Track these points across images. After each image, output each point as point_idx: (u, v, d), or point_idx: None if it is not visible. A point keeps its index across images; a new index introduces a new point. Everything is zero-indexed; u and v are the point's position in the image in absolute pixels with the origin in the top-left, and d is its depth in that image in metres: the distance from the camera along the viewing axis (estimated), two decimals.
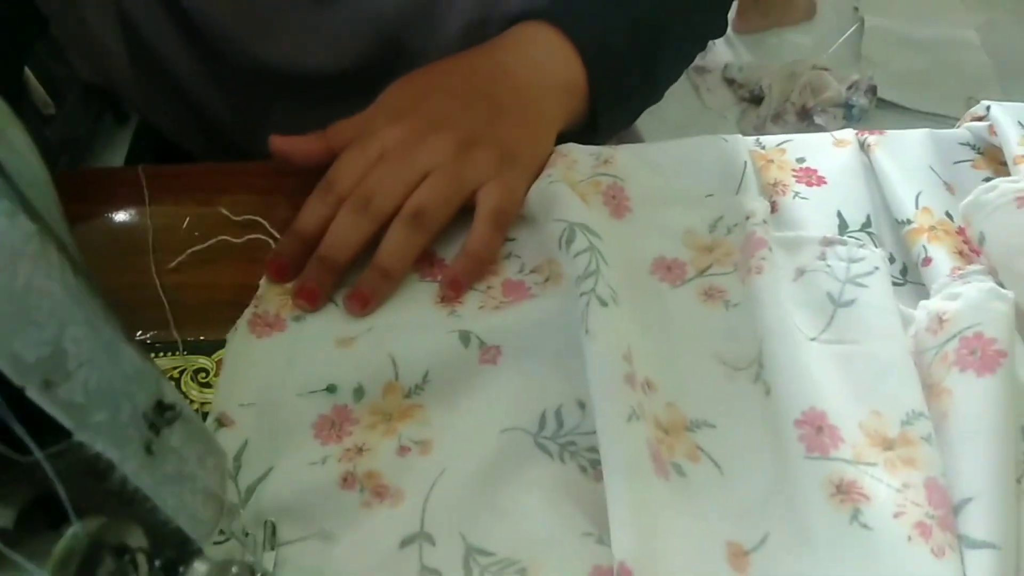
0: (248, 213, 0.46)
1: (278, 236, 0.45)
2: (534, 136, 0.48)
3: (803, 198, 0.47)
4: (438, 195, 0.43)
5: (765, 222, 0.43)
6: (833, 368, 0.38)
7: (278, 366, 0.41)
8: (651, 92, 0.57)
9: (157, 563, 0.20)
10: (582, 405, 0.39)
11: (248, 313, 0.42)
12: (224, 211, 0.46)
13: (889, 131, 0.50)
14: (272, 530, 0.34)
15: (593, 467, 0.37)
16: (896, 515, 0.33)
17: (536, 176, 0.46)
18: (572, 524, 0.35)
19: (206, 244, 0.45)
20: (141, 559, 0.20)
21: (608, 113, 0.51)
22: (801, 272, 0.43)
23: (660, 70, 0.55)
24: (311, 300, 0.42)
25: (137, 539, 0.20)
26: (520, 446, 0.38)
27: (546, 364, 0.40)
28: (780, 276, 0.42)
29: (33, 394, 0.18)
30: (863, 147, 0.49)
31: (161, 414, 0.23)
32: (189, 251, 0.45)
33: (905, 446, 0.35)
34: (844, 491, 0.34)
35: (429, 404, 0.40)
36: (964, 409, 0.35)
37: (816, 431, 0.36)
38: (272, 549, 0.33)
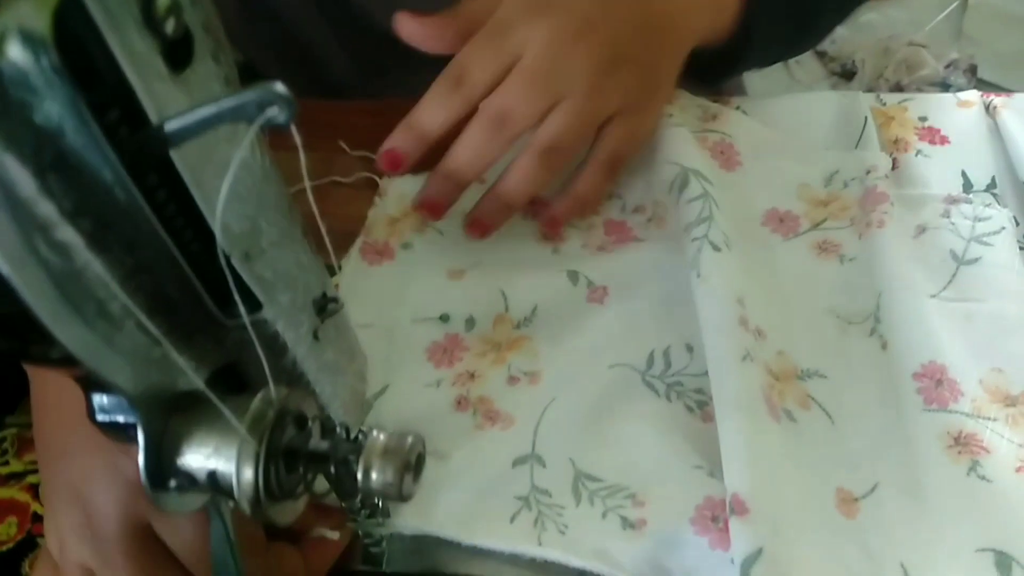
0: (363, 149, 0.47)
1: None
2: (676, 58, 0.44)
3: (926, 156, 0.46)
4: (574, 133, 0.40)
5: (887, 177, 0.43)
6: (954, 325, 0.38)
7: (392, 292, 0.42)
8: (809, 26, 0.51)
9: (338, 429, 0.21)
10: (690, 348, 0.39)
11: (359, 242, 0.44)
12: (342, 144, 0.47)
13: (1017, 93, 0.48)
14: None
15: (700, 408, 0.38)
16: (1017, 469, 0.33)
17: (663, 107, 0.44)
18: (682, 456, 0.35)
19: (324, 180, 0.46)
20: (317, 427, 0.21)
21: (760, 33, 0.46)
22: (923, 229, 0.42)
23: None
24: (435, 212, 0.41)
25: (313, 409, 0.21)
26: (628, 382, 0.38)
27: (654, 307, 0.41)
28: (902, 231, 0.41)
29: (236, 263, 0.20)
30: (988, 109, 0.48)
31: (325, 305, 0.25)
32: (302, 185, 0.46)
33: None
34: (963, 443, 0.34)
35: (538, 337, 0.41)
36: None
37: (935, 384, 0.35)
38: None
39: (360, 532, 0.33)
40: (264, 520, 0.20)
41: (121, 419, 0.21)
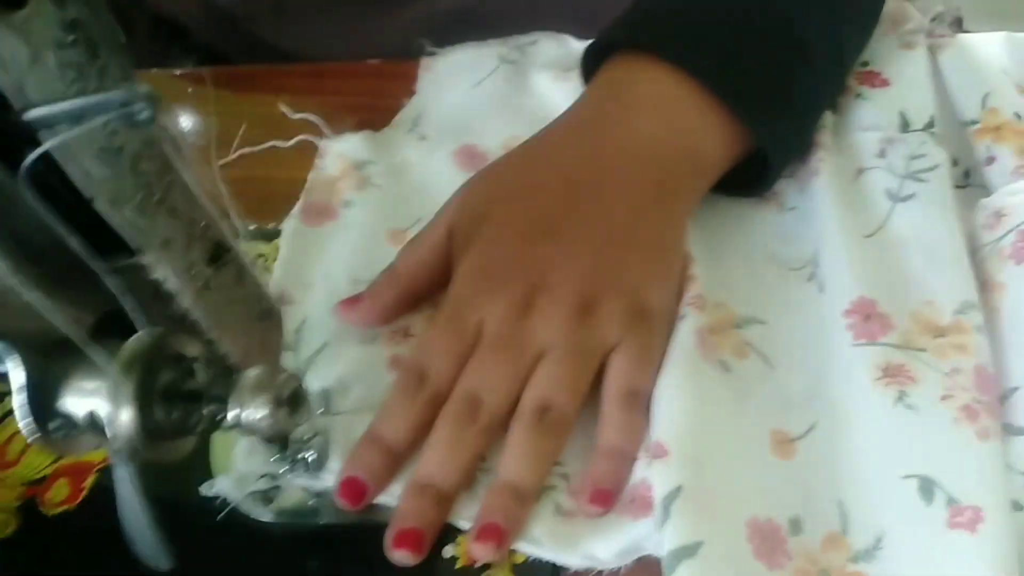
0: (304, 111, 0.47)
1: (329, 135, 0.46)
2: (664, 269, 0.37)
3: (865, 99, 0.45)
4: (562, 384, 0.34)
5: (823, 126, 0.43)
6: (888, 262, 0.38)
7: (332, 253, 0.42)
8: (820, 94, 0.43)
9: (212, 372, 0.22)
10: None
11: (300, 203, 0.44)
12: (283, 107, 0.47)
13: (961, 35, 0.48)
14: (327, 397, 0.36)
15: None
16: (943, 398, 0.33)
17: (671, 321, 0.37)
18: None
19: (263, 146, 0.47)
20: (199, 367, 0.22)
21: (777, 144, 0.40)
22: (860, 171, 0.42)
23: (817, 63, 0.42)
24: (417, 547, 0.31)
25: (194, 350, 0.22)
26: None
27: None
28: (839, 176, 0.41)
29: (103, 209, 0.20)
30: (931, 51, 0.48)
31: (220, 255, 0.25)
32: (243, 150, 0.46)
33: (956, 334, 0.34)
34: (891, 374, 0.34)
35: None
36: (1017, 301, 0.34)
37: (864, 319, 0.35)
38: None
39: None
40: (149, 459, 0.20)
41: None
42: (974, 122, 0.43)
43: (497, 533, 0.31)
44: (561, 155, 0.39)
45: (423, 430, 0.34)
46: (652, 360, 0.35)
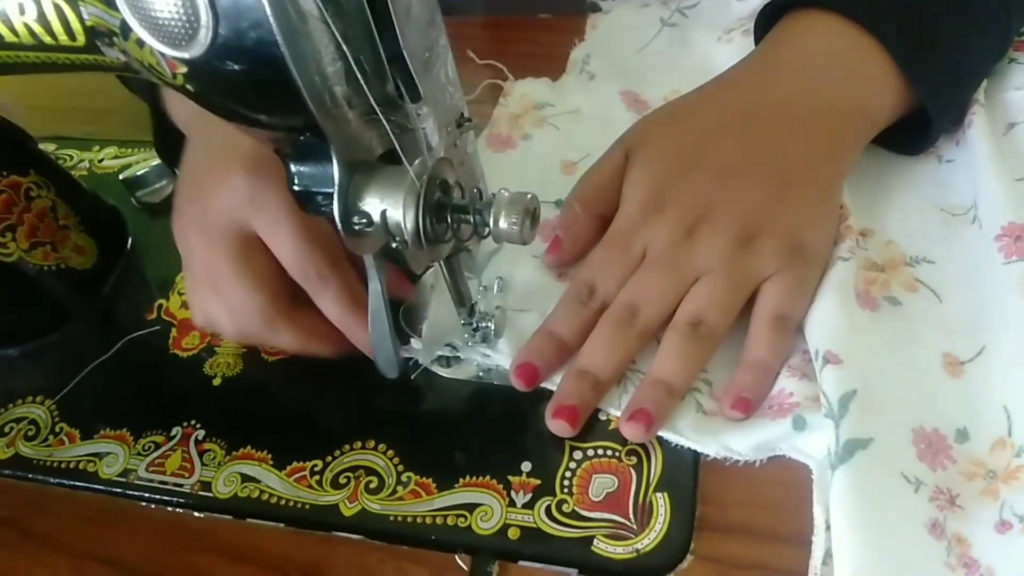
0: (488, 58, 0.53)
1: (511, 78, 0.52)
2: (826, 212, 0.39)
3: (1018, 63, 0.47)
4: (716, 303, 0.37)
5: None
6: None
7: (512, 176, 0.48)
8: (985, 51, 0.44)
9: (474, 190, 0.27)
10: None
11: (485, 132, 0.50)
12: (471, 53, 0.53)
13: None
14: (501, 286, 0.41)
15: None
16: None
17: (826, 262, 0.38)
18: None
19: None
20: (459, 188, 0.27)
21: (941, 106, 0.42)
22: (1012, 125, 0.44)
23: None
24: (572, 420, 0.36)
25: (455, 176, 0.27)
26: None
27: None
28: (991, 129, 0.43)
29: (411, 62, 0.26)
30: None
31: (462, 122, 0.31)
32: None
33: None
34: None
35: None
36: None
37: (1015, 239, 0.37)
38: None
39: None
40: (418, 255, 0.26)
41: (311, 188, 0.28)
42: None
43: (647, 417, 0.35)
44: (741, 97, 0.42)
45: (589, 333, 0.38)
46: (804, 293, 0.37)
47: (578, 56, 0.54)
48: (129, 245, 0.51)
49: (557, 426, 0.36)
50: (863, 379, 0.34)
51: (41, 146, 0.49)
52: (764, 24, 0.46)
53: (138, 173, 0.54)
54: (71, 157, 0.59)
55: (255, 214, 0.36)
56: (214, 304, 0.38)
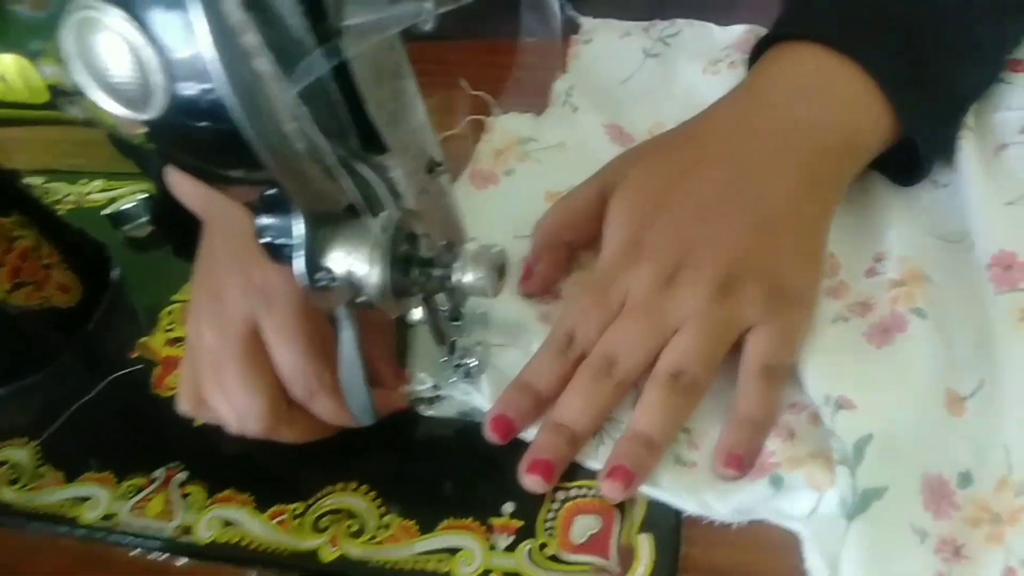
0: (480, 88, 0.53)
1: (497, 112, 0.52)
2: (812, 255, 0.39)
3: (1008, 83, 0.47)
4: (696, 354, 0.35)
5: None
6: None
7: (496, 213, 0.47)
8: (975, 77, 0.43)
9: (440, 243, 0.27)
10: None
11: (468, 170, 0.50)
12: (463, 82, 0.53)
13: None
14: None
15: None
16: None
17: (814, 307, 0.38)
18: None
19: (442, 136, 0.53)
20: (427, 241, 0.27)
21: (929, 138, 0.41)
22: (1002, 147, 0.43)
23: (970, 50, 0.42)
24: (547, 475, 0.35)
25: (423, 228, 0.27)
26: None
27: None
28: (981, 152, 0.42)
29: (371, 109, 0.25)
30: None
31: (433, 167, 0.30)
32: None
33: None
34: None
35: None
36: None
37: (1004, 269, 0.37)
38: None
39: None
40: (386, 307, 0.26)
41: (278, 240, 0.27)
42: None
43: (626, 475, 0.34)
44: (721, 136, 0.41)
45: (567, 384, 0.37)
46: (792, 340, 0.36)
47: (561, 88, 0.53)
48: (116, 279, 0.51)
49: (531, 482, 0.35)
50: (879, 423, 0.33)
51: (30, 180, 0.49)
52: (756, 57, 0.45)
53: (123, 208, 0.54)
54: (59, 191, 0.59)
55: (266, 318, 0.36)
56: (218, 400, 0.38)
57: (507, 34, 0.53)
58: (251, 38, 0.21)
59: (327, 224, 0.26)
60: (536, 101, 0.53)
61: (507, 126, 0.51)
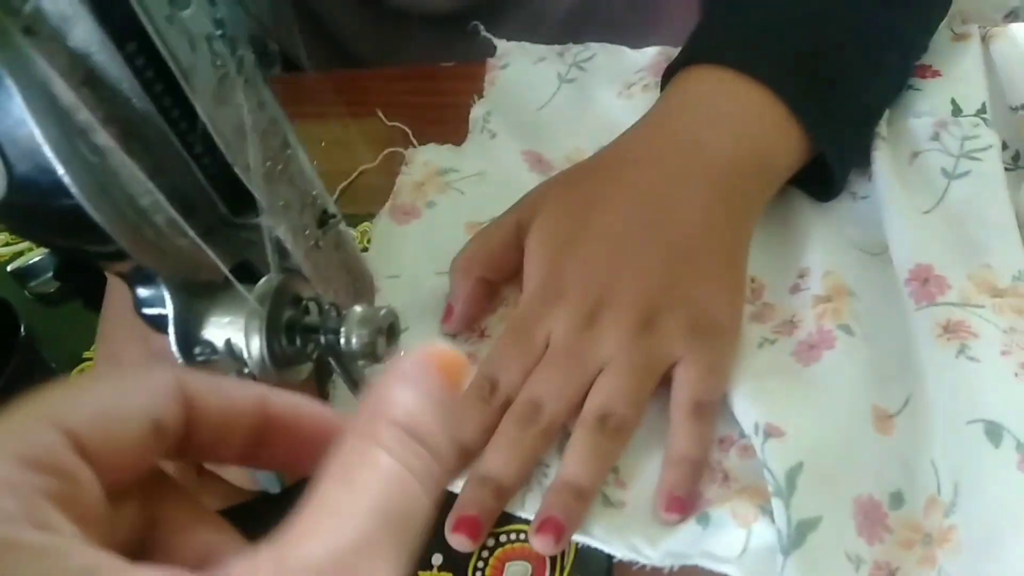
0: (397, 118, 0.52)
1: (414, 143, 0.51)
2: (732, 280, 0.38)
3: (917, 90, 0.47)
4: (622, 394, 0.35)
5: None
6: (944, 233, 0.39)
7: (417, 248, 0.46)
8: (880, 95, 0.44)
9: (326, 306, 0.25)
10: None
11: (388, 205, 0.48)
12: (379, 113, 0.52)
13: (1012, 24, 0.49)
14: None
15: None
16: (1003, 353, 0.34)
17: (738, 335, 0.37)
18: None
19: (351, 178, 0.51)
20: (313, 305, 0.25)
21: (842, 155, 0.41)
22: (915, 155, 0.44)
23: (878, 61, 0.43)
24: (473, 533, 0.33)
25: (310, 292, 0.26)
26: None
27: None
28: (895, 161, 0.43)
29: (240, 172, 0.24)
30: (984, 40, 0.49)
31: (326, 220, 0.29)
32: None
33: (1015, 296, 0.36)
34: (951, 330, 0.35)
35: None
36: None
37: (922, 283, 0.37)
38: None
39: None
40: (270, 381, 0.24)
41: (158, 311, 0.26)
42: None
43: (556, 527, 0.33)
44: (629, 166, 0.40)
45: (492, 433, 0.36)
46: (719, 372, 0.36)
47: (478, 114, 0.52)
48: (23, 337, 0.49)
49: (457, 541, 0.34)
50: (807, 449, 0.33)
51: None
52: (667, 80, 0.45)
53: (29, 262, 0.52)
54: None
55: None
56: None
57: (424, 59, 0.52)
58: (87, 115, 0.20)
59: (203, 294, 0.25)
60: (459, 123, 0.52)
61: (426, 157, 0.50)
